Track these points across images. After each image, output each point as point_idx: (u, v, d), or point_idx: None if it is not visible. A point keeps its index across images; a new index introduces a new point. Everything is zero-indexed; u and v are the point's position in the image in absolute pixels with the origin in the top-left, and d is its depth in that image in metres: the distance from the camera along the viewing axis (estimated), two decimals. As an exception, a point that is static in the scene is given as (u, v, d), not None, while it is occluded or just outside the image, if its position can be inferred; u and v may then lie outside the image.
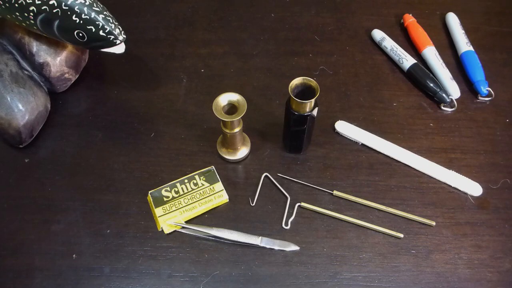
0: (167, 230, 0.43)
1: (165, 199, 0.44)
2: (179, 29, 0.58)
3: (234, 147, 0.46)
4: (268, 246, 0.42)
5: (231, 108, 0.42)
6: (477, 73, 0.52)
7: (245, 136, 0.47)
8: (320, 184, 0.45)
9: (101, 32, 0.42)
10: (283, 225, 0.43)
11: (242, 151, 0.47)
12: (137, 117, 0.50)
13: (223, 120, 0.42)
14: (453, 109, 0.51)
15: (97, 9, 0.41)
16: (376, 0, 0.61)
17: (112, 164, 0.47)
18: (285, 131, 0.45)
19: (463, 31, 0.56)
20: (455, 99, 0.51)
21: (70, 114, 0.51)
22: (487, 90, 0.51)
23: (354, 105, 0.51)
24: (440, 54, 0.54)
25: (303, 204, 0.44)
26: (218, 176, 0.45)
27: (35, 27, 0.43)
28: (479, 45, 0.55)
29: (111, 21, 0.42)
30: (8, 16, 0.43)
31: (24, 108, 0.45)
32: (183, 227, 0.42)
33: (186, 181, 0.45)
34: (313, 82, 0.39)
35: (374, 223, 0.43)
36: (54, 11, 0.41)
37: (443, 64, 0.53)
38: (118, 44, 0.43)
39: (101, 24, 0.41)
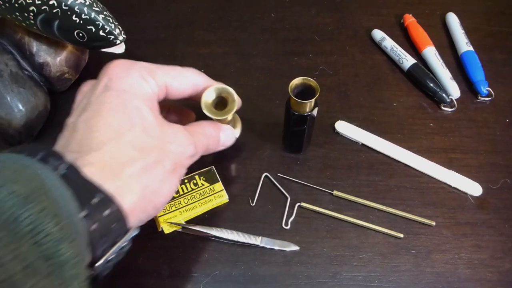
0: (167, 230, 0.43)
1: (165, 199, 0.44)
2: (179, 29, 0.58)
3: None
4: (268, 246, 0.42)
5: (220, 101, 0.39)
6: (477, 73, 0.52)
7: (236, 117, 0.45)
8: (320, 184, 0.45)
9: (101, 32, 0.42)
10: (283, 225, 0.43)
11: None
12: (137, 117, 0.50)
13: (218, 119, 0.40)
14: (453, 109, 0.51)
15: (97, 9, 0.41)
16: (376, 0, 0.61)
17: (112, 164, 0.47)
18: (285, 131, 0.45)
19: (463, 31, 0.55)
20: (455, 99, 0.51)
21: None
22: (487, 90, 0.51)
23: (354, 105, 0.51)
24: (440, 54, 0.54)
25: (303, 204, 0.44)
26: (218, 176, 0.45)
27: (35, 27, 0.43)
28: (479, 45, 0.55)
29: (111, 21, 0.42)
30: (8, 16, 0.43)
31: (24, 108, 0.45)
32: (183, 227, 0.42)
33: (186, 181, 0.45)
34: (313, 82, 0.39)
35: (374, 223, 0.43)
36: (54, 11, 0.41)
37: (443, 64, 0.53)
38: (118, 44, 0.43)
39: (101, 24, 0.41)
